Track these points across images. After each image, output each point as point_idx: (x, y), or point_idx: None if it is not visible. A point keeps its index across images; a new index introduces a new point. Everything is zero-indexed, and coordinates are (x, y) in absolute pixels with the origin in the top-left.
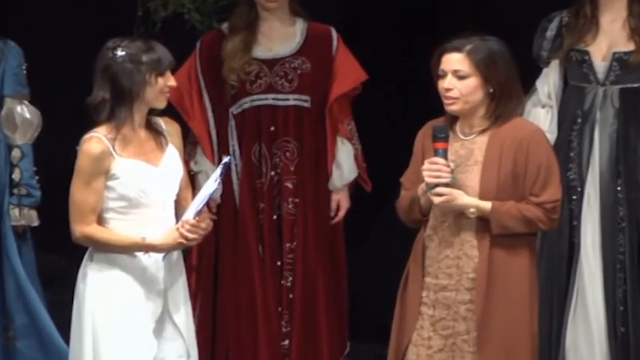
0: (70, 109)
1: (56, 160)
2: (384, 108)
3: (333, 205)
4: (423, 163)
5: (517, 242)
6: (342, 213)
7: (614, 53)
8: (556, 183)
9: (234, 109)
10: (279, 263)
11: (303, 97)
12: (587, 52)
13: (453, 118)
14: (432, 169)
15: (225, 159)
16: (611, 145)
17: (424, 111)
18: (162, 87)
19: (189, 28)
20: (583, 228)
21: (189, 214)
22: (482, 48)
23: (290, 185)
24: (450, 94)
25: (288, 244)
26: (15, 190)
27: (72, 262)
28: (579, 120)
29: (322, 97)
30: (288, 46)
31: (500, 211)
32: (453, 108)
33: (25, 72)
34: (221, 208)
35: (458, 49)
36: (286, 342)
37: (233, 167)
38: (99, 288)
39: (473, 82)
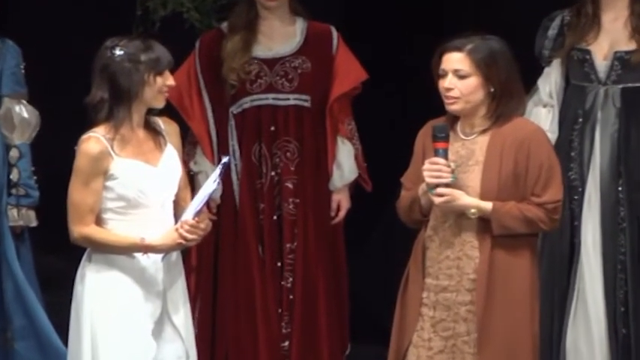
0: (68, 108)
1: (55, 160)
2: (384, 107)
3: (334, 206)
4: (423, 163)
5: (518, 243)
6: (342, 213)
7: (616, 52)
8: (557, 183)
9: (234, 109)
10: (279, 264)
11: (304, 96)
12: (588, 52)
13: (454, 118)
14: (433, 169)
15: (225, 159)
16: (612, 145)
17: (424, 110)
18: (160, 86)
19: (189, 28)
20: (584, 228)
21: (188, 215)
22: (483, 47)
23: (290, 185)
24: (451, 93)
25: (288, 245)
26: (13, 191)
27: (70, 263)
28: (580, 120)
29: (323, 97)
30: (288, 45)
31: (501, 211)
32: (453, 108)
33: (23, 71)
34: (221, 209)
35: (458, 49)
36: (286, 343)
37: (233, 167)
38: (97, 289)
39: (473, 81)
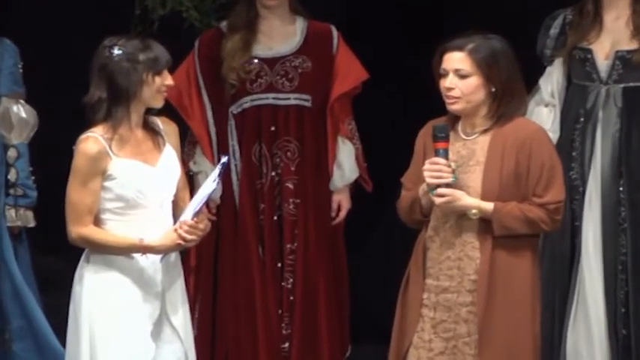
0: (67, 108)
1: (53, 160)
2: (385, 107)
3: (334, 206)
4: (424, 163)
5: (519, 243)
6: (343, 213)
7: (617, 52)
8: (559, 183)
9: (234, 109)
10: (279, 265)
11: (304, 96)
12: (589, 51)
13: (455, 118)
14: (433, 169)
15: (224, 159)
16: (613, 145)
17: (425, 110)
18: (159, 86)
19: (188, 27)
20: (584, 228)
21: (187, 215)
22: (484, 47)
23: (291, 185)
24: (452, 93)
25: (288, 246)
26: (11, 191)
27: (68, 263)
28: (582, 119)
29: (323, 97)
30: (288, 44)
31: (503, 212)
32: (454, 107)
33: (21, 70)
34: (221, 209)
35: (459, 48)
36: (286, 344)
37: (233, 167)
38: (96, 290)
39: (474, 81)
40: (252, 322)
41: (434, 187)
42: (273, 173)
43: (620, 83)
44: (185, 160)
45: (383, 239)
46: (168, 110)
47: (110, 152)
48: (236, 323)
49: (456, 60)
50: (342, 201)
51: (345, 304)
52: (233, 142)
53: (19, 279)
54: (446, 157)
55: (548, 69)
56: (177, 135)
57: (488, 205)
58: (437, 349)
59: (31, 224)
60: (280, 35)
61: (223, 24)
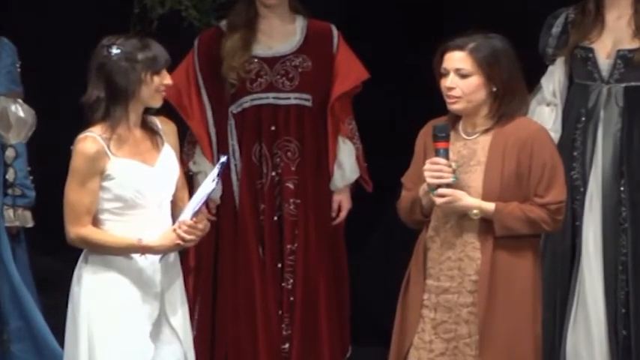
0: (65, 108)
1: (51, 160)
2: (385, 106)
3: (335, 206)
4: (424, 163)
5: (520, 244)
6: (343, 214)
7: (619, 51)
8: (561, 183)
9: (234, 109)
10: (279, 265)
11: (305, 95)
12: (591, 50)
13: (456, 118)
14: (434, 169)
15: (223, 158)
16: (614, 145)
17: (426, 110)
18: (158, 86)
19: (187, 26)
20: (585, 228)
21: (186, 215)
22: (485, 46)
23: (291, 186)
24: (453, 92)
25: (289, 246)
26: (9, 191)
27: (67, 264)
28: (583, 119)
29: (323, 96)
30: (288, 44)
31: (504, 212)
32: (455, 107)
33: (19, 70)
34: (221, 209)
35: (460, 47)
36: (286, 345)
37: (233, 167)
38: (94, 290)
39: (475, 80)
40: (252, 323)
41: (434, 187)
42: (274, 173)
43: (622, 82)
44: (184, 160)
45: (383, 239)
46: (168, 110)
47: (108, 152)
48: (236, 324)
49: (456, 59)
50: (342, 201)
51: (346, 305)
52: (233, 141)
53: (17, 279)
54: (446, 157)
55: (550, 68)
56: (175, 135)
57: (490, 206)
58: (437, 350)
59: (30, 224)
60: (280, 34)
61: (223, 23)
